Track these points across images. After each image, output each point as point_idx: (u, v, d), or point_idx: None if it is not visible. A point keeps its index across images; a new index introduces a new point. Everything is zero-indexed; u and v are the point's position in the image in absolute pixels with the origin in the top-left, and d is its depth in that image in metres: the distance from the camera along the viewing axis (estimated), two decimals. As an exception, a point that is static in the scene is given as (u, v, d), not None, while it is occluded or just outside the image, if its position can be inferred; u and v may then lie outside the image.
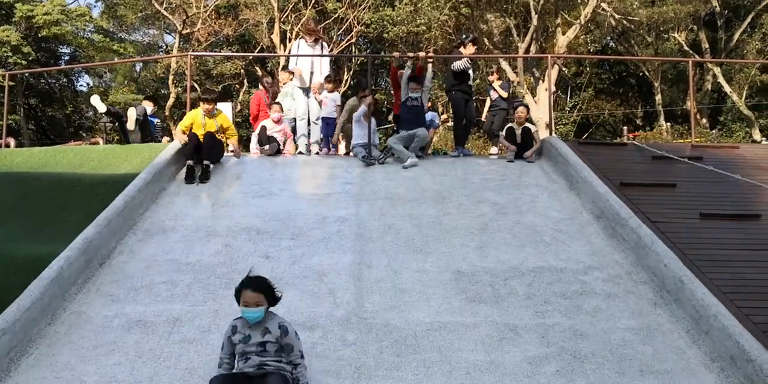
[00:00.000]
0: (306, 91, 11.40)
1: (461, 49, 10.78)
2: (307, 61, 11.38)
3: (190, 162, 8.99)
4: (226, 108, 10.95)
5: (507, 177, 9.14)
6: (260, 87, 12.58)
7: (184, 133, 9.45)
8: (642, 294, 6.28)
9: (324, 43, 11.77)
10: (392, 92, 10.82)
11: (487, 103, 12.63)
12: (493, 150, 11.40)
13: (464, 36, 11.21)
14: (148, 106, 12.86)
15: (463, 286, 6.41)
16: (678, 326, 5.78)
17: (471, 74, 11.06)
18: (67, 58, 35.72)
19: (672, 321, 5.86)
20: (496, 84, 12.41)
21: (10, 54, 28.62)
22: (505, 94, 12.44)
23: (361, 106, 10.19)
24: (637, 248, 6.81)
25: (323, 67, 11.45)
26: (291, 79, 11.42)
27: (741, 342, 5.09)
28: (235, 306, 5.95)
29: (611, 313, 6.00)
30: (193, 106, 10.83)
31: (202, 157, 9.13)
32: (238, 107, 29.77)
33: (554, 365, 5.30)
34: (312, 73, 11.36)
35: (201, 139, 9.24)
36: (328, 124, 11.24)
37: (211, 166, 9.14)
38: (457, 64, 10.42)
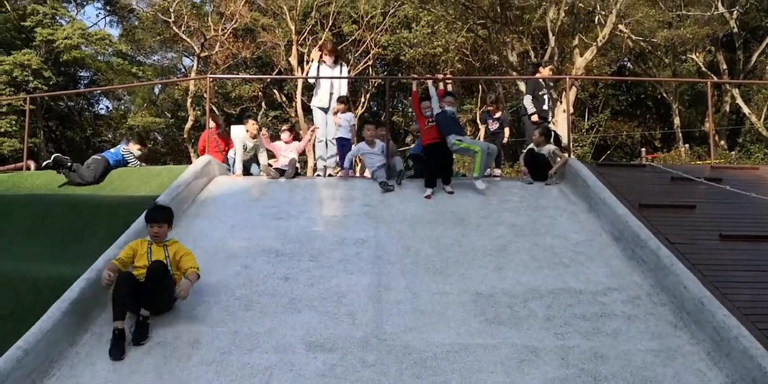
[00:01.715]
0: (326, 111, 11.43)
1: (540, 69, 11.21)
2: (327, 81, 11.42)
3: (118, 324, 5.76)
4: (241, 131, 10.96)
5: (525, 199, 9.15)
6: (209, 126, 13.04)
7: (115, 270, 6.08)
8: (662, 316, 6.24)
9: (344, 64, 11.84)
10: (411, 113, 10.89)
11: (482, 132, 12.43)
12: (497, 172, 11.32)
13: (538, 60, 11.61)
14: (135, 150, 11.29)
15: (482, 307, 6.41)
16: (698, 348, 5.74)
17: (545, 98, 11.43)
18: (86, 81, 36.21)
19: (692, 343, 5.81)
20: (496, 115, 12.17)
21: (31, 78, 29.05)
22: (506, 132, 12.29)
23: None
24: (656, 270, 6.78)
25: (342, 88, 11.51)
26: (255, 133, 10.89)
27: (763, 364, 5.04)
28: (255, 327, 6.03)
29: (631, 335, 5.97)
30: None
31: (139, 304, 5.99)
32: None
33: (574, 388, 5.27)
34: (332, 93, 11.38)
35: (141, 278, 6.11)
36: (343, 145, 11.28)
37: (149, 319, 6.04)
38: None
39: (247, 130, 10.75)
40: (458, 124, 9.93)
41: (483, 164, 9.31)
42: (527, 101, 11.67)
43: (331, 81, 11.40)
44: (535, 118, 11.53)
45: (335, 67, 11.53)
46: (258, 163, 10.95)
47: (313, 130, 11.37)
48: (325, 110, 11.44)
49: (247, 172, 10.82)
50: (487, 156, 9.35)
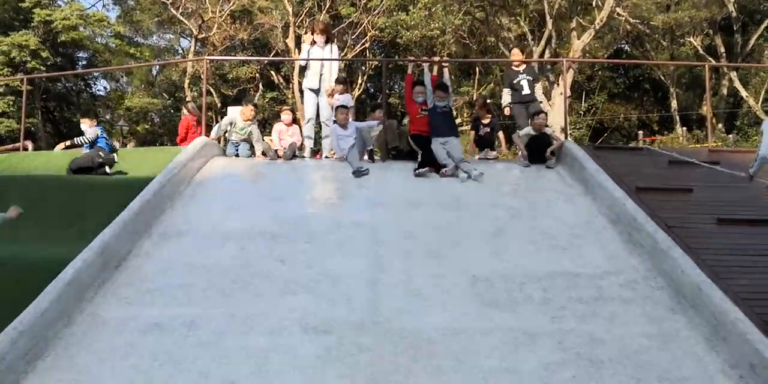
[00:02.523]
0: (316, 92, 11.24)
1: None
2: (317, 62, 11.22)
3: None
4: (237, 112, 10.88)
5: (522, 181, 9.12)
6: (185, 112, 12.96)
7: None
8: (659, 300, 6.23)
9: (334, 45, 11.63)
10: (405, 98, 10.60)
11: (472, 137, 11.97)
12: (491, 154, 11.15)
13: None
14: (87, 127, 10.51)
15: (478, 291, 6.38)
16: (696, 332, 5.72)
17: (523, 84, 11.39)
18: (84, 62, 36.01)
19: (689, 327, 5.80)
20: (485, 120, 11.61)
21: (28, 59, 28.87)
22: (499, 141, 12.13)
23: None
24: (653, 253, 6.77)
25: (333, 69, 11.30)
26: (250, 118, 10.77)
27: (761, 349, 5.03)
28: (251, 309, 6.01)
29: (628, 318, 5.95)
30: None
31: None
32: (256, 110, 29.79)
33: (570, 371, 5.26)
34: (321, 75, 11.18)
35: None
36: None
37: None
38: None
39: (243, 113, 10.67)
40: (450, 121, 9.89)
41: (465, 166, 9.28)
42: (504, 94, 11.84)
43: (321, 62, 11.19)
44: (506, 111, 11.74)
45: (326, 47, 11.30)
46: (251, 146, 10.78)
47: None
48: (315, 91, 11.24)
49: (236, 154, 10.64)
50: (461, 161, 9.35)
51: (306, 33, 12.33)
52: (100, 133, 10.28)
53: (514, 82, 11.55)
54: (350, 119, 10.24)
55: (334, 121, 10.35)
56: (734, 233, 7.05)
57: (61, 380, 5.11)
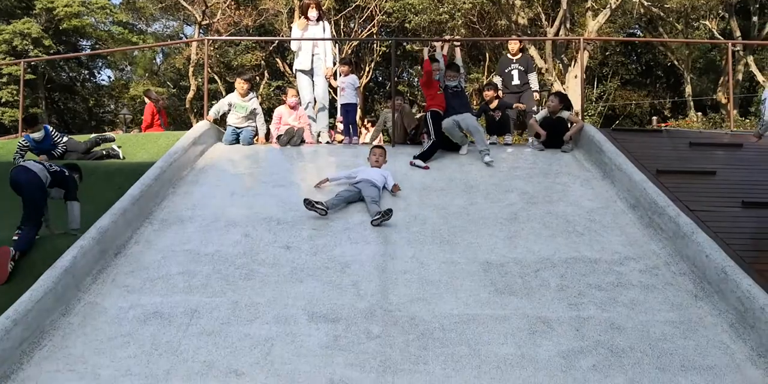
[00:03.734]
0: (309, 74, 10.75)
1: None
2: (309, 42, 10.67)
3: None
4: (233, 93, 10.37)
5: (537, 165, 8.83)
6: (146, 99, 12.80)
7: None
8: (681, 286, 5.96)
9: (327, 23, 11.07)
10: (416, 82, 10.24)
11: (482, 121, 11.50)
12: (508, 139, 10.75)
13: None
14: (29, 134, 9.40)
15: (492, 277, 6.13)
16: (721, 319, 5.46)
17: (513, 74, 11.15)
18: (86, 50, 35.82)
19: (714, 314, 5.53)
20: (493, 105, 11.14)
21: (31, 47, 28.68)
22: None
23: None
24: (675, 238, 6.49)
25: (326, 49, 10.74)
26: (244, 92, 10.10)
27: (792, 336, 4.76)
28: (256, 297, 5.78)
29: (649, 305, 5.69)
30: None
31: None
32: (260, 99, 29.56)
33: (590, 360, 5.01)
34: (314, 55, 10.65)
35: None
36: (348, 110, 10.84)
37: None
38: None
39: (237, 89, 10.01)
40: (463, 99, 9.59)
41: (480, 141, 9.05)
42: (495, 80, 11.65)
43: (312, 42, 10.68)
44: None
45: (318, 25, 10.77)
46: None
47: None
48: (308, 73, 10.72)
49: (236, 140, 9.92)
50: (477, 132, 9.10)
51: (300, 18, 11.63)
52: (43, 133, 9.27)
53: (506, 70, 11.31)
54: (384, 163, 8.52)
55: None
56: (760, 217, 6.76)
57: (58, 371, 4.90)
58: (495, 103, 10.39)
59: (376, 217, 7.09)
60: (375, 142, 10.96)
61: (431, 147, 9.09)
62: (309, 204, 7.16)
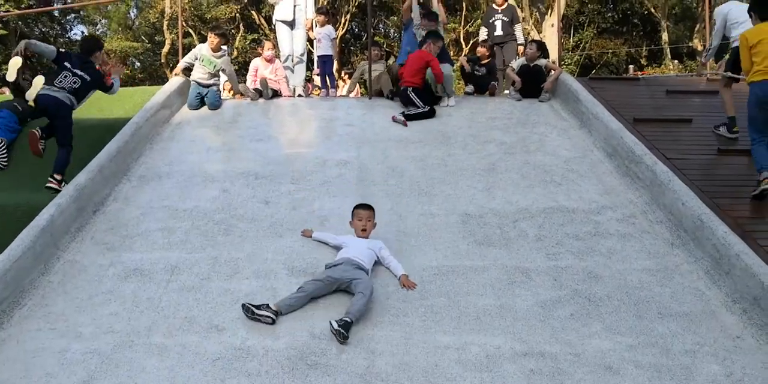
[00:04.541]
0: (290, 24, 10.48)
1: None
2: None
3: None
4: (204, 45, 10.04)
5: (514, 116, 8.81)
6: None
7: None
8: (658, 234, 6.02)
9: None
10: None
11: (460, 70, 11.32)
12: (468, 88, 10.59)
13: None
14: None
15: (470, 229, 6.16)
16: (697, 267, 5.53)
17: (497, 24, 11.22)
18: (60, 3, 34.95)
19: (690, 261, 5.61)
20: (484, 61, 10.56)
21: (2, 2, 27.93)
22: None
23: None
24: (652, 186, 6.53)
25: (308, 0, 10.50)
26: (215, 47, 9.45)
27: (765, 282, 4.81)
28: (235, 253, 5.78)
29: (626, 254, 5.76)
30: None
31: None
32: (235, 53, 29.16)
33: (568, 309, 5.08)
34: (296, 6, 10.36)
35: None
36: (324, 62, 10.68)
37: None
38: None
39: (209, 43, 9.43)
40: (443, 50, 9.49)
41: (449, 86, 9.22)
42: (481, 32, 11.68)
43: None
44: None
45: None
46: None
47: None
48: (289, 24, 10.46)
49: (201, 104, 9.28)
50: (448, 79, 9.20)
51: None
52: None
53: (490, 21, 11.39)
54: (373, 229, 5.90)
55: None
56: (736, 164, 6.81)
57: (39, 329, 4.89)
58: (486, 60, 10.30)
59: (339, 325, 4.70)
60: (352, 95, 10.85)
61: (423, 114, 8.73)
62: (249, 312, 4.91)
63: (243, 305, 4.94)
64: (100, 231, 6.19)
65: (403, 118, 8.54)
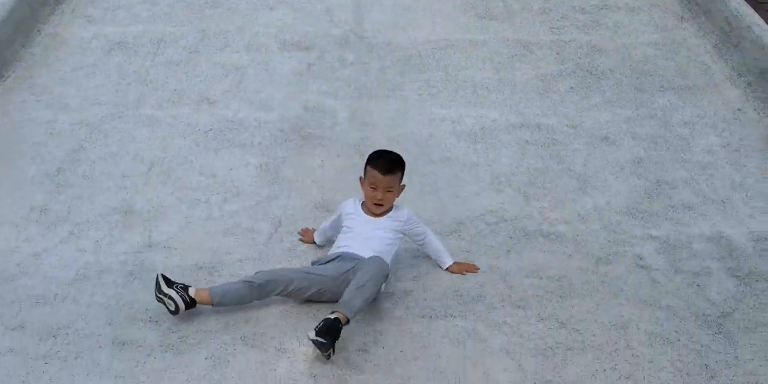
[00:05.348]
0: None
1: None
2: None
3: None
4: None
5: None
6: None
7: None
8: (668, 7, 5.72)
9: None
10: None
11: None
12: None
13: None
14: None
15: (471, 1, 5.85)
16: (705, 40, 5.31)
17: None
18: None
19: (699, 35, 5.37)
20: None
21: None
22: None
23: None
24: (664, -43, 6.09)
25: None
26: None
27: (775, 54, 4.64)
28: (224, 25, 5.52)
29: (633, 27, 5.51)
30: None
31: None
32: None
33: (568, 82, 4.94)
34: None
35: None
36: None
37: None
38: None
39: None
40: None
41: None
42: None
43: None
44: None
45: None
46: None
47: None
48: None
49: None
50: None
51: None
52: None
53: None
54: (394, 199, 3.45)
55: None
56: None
57: (24, 101, 4.76)
58: None
59: (317, 335, 2.72)
60: None
61: None
62: (157, 287, 3.04)
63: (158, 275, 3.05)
64: (81, 4, 5.85)
65: None
